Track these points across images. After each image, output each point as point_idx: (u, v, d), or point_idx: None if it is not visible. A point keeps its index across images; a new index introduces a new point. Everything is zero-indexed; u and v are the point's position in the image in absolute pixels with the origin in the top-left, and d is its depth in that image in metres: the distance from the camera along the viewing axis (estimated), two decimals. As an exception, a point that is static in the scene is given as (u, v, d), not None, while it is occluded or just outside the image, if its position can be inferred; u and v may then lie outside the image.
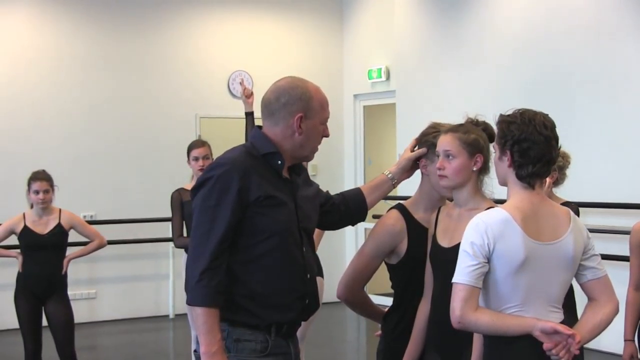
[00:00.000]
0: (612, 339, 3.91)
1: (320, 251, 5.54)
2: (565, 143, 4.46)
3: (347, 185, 10.78)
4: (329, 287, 4.25)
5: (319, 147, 3.13)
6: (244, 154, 3.00)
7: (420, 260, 3.31)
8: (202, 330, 2.86)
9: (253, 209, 2.92)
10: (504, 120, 2.88)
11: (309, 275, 3.08)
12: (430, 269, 3.27)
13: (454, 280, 2.78)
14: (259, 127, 3.12)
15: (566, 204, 4.69)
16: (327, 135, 3.13)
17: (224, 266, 2.90)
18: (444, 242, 3.20)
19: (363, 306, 3.60)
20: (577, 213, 4.83)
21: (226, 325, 2.95)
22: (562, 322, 2.81)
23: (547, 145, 2.85)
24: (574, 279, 2.98)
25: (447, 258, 3.03)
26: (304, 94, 3.03)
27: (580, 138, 7.47)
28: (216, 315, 2.87)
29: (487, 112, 3.09)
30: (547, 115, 2.90)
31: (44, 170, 6.27)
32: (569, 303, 3.71)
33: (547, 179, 4.45)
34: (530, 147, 2.82)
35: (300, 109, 3.02)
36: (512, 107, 2.95)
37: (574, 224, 2.88)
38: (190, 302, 2.89)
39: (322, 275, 5.53)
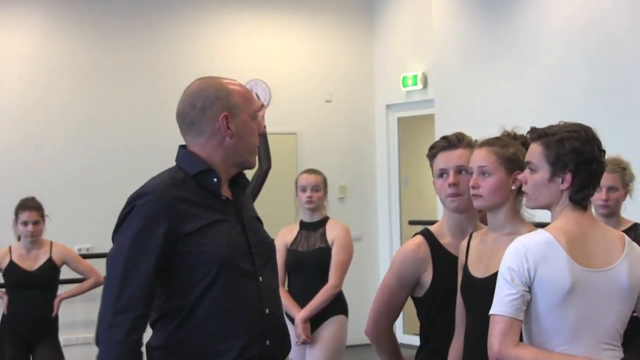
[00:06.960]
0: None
1: (346, 286, 5.54)
2: (628, 159, 4.48)
3: (380, 207, 10.67)
4: (357, 326, 4.22)
5: (348, 164, 3.04)
6: (167, 182, 2.87)
7: (449, 292, 3.29)
8: None
9: (181, 247, 2.80)
10: (561, 136, 2.84)
11: (267, 310, 2.89)
12: (461, 303, 3.23)
13: (491, 311, 2.77)
14: (183, 146, 2.97)
15: (636, 226, 4.61)
16: (262, 131, 2.99)
17: (147, 318, 2.78)
18: (478, 272, 3.16)
19: (388, 349, 3.54)
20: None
21: None
22: (621, 362, 2.78)
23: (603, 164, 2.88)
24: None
25: (482, 290, 3.01)
26: (220, 91, 2.89)
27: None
28: None
29: (536, 124, 3.02)
30: None
31: (33, 198, 6.29)
32: (636, 339, 3.65)
33: (613, 197, 4.40)
34: (599, 168, 2.84)
35: (222, 107, 2.88)
36: (564, 119, 2.92)
37: (629, 249, 2.85)
38: (99, 357, 2.73)
39: (345, 313, 5.52)
